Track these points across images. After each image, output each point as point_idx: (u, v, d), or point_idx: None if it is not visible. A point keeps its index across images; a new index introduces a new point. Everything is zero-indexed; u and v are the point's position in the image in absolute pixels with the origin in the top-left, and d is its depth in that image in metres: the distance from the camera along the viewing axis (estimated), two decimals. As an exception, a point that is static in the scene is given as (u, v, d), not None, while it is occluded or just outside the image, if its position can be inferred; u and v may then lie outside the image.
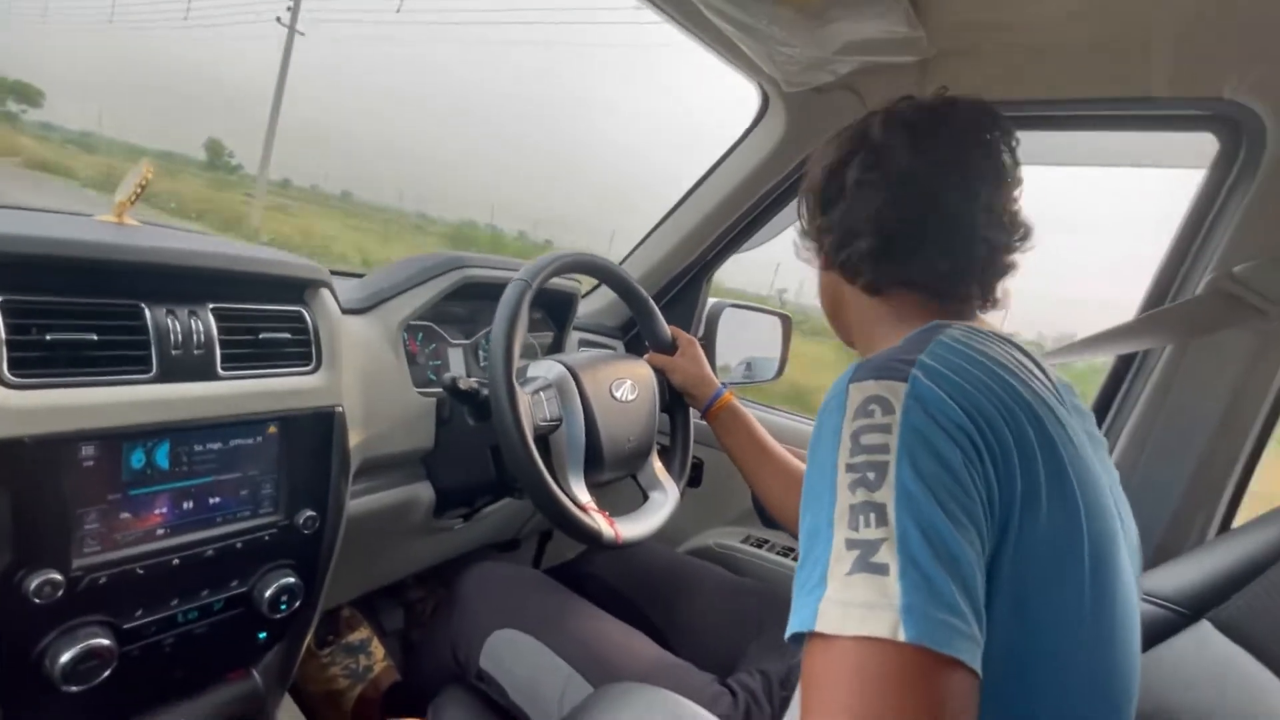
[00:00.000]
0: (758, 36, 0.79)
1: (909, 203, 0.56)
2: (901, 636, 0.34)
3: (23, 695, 0.53)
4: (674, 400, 1.01)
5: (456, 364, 1.01)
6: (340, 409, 0.72)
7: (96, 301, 0.56)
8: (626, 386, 0.89)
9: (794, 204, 1.14)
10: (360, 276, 0.96)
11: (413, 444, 0.87)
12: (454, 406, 0.88)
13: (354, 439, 0.75)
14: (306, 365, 0.70)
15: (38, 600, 0.51)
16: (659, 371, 0.99)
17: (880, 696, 0.34)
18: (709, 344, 1.23)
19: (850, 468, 0.40)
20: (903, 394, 0.42)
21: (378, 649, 1.07)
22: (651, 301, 0.99)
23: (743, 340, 1.36)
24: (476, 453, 0.87)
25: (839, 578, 0.37)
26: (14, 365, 0.50)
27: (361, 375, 0.78)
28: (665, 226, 1.19)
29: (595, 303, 1.30)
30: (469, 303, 1.01)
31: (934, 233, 0.56)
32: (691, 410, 1.02)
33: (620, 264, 1.26)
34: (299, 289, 0.71)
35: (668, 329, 1.01)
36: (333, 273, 0.80)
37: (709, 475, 1.21)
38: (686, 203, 1.16)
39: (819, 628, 0.36)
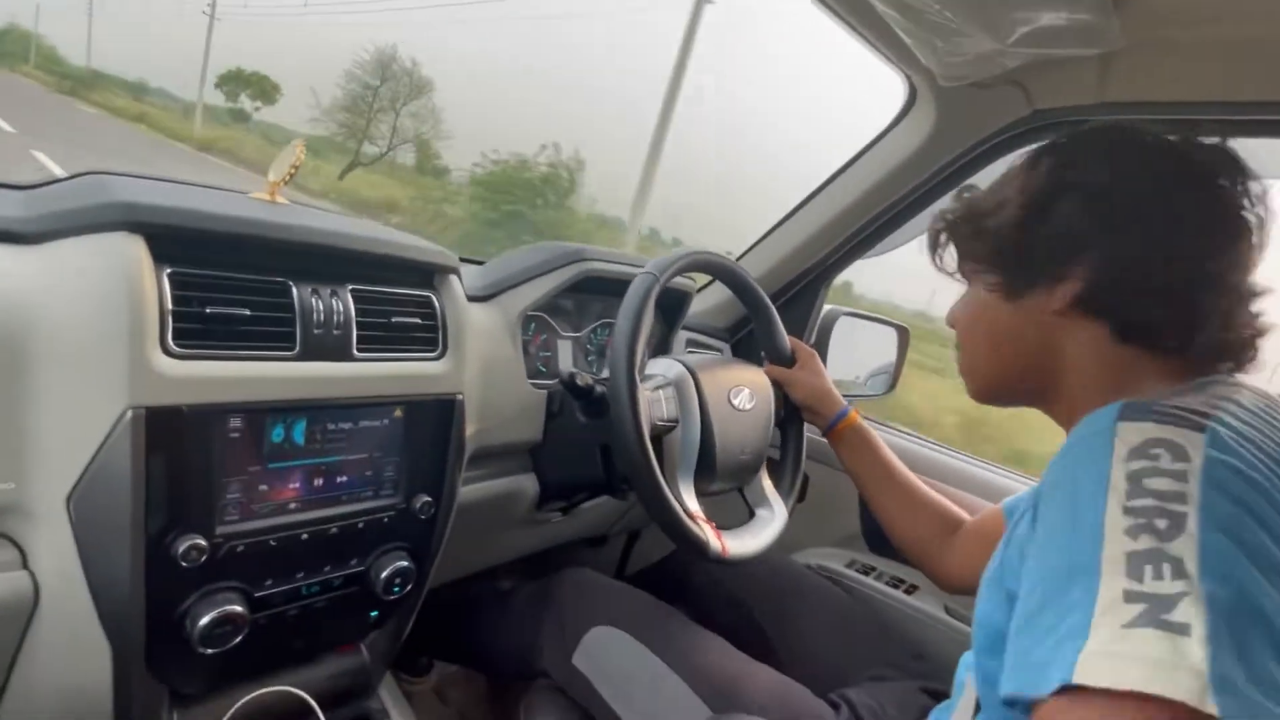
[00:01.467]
0: (923, 24, 0.72)
1: (1187, 247, 0.50)
2: (1212, 708, 0.29)
3: (166, 653, 0.55)
4: (789, 415, 0.96)
5: (565, 356, 1.00)
6: (461, 397, 0.72)
7: (251, 278, 0.57)
8: (745, 395, 0.85)
9: (932, 209, 1.06)
10: (480, 264, 0.96)
11: (523, 435, 0.87)
12: (565, 401, 0.87)
13: (469, 428, 0.75)
14: (433, 351, 0.70)
15: (184, 564, 0.53)
16: (776, 385, 0.94)
17: None
18: (820, 351, 1.16)
19: (1130, 510, 0.35)
20: (1201, 444, 0.37)
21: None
22: (774, 310, 0.94)
23: (856, 351, 1.28)
24: (585, 449, 0.85)
25: (1111, 629, 0.32)
26: (177, 335, 0.52)
27: (481, 364, 0.78)
28: (789, 225, 1.13)
29: (704, 301, 1.26)
30: (580, 295, 1.00)
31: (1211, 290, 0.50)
32: (806, 426, 0.97)
33: (738, 259, 1.22)
34: (430, 274, 0.72)
35: (788, 340, 0.96)
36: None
37: (814, 492, 1.15)
38: (814, 200, 1.09)
39: (1081, 679, 0.31)
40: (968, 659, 0.58)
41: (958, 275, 0.62)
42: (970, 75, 0.82)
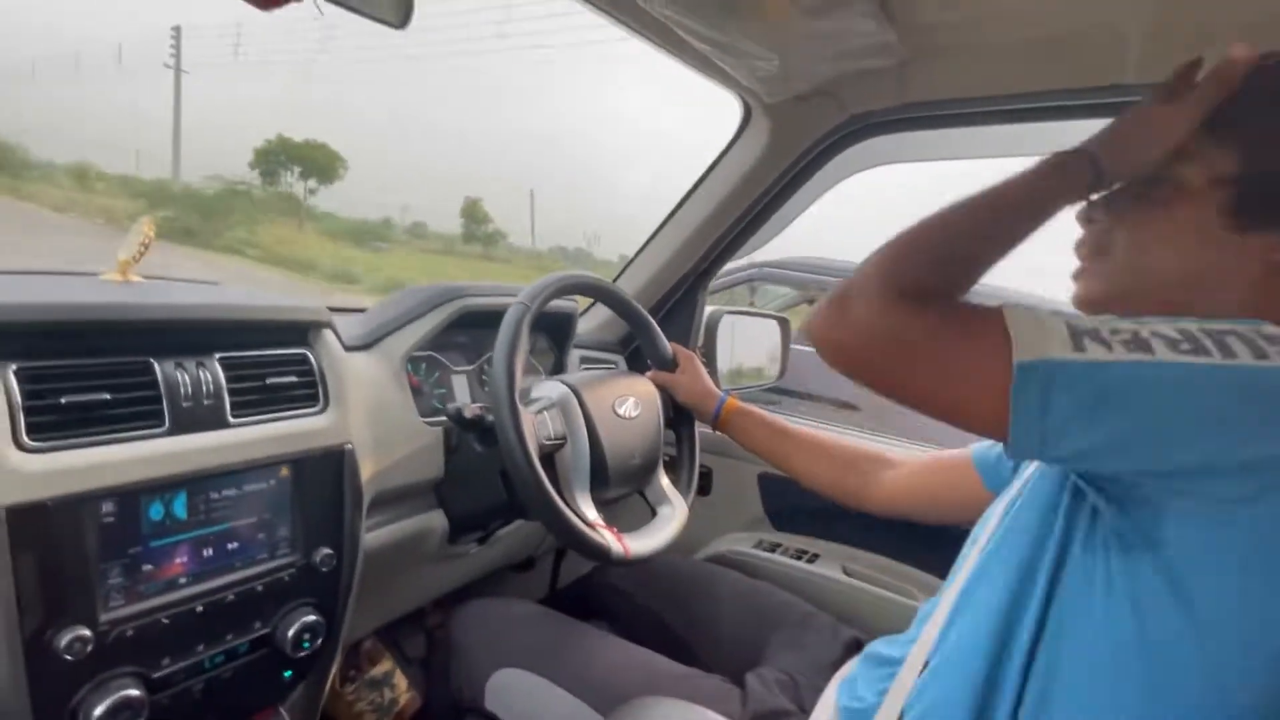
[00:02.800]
0: (733, 53, 0.81)
1: None
2: None
3: (59, 751, 0.54)
4: (678, 416, 1.03)
5: (461, 391, 1.03)
6: (350, 446, 0.73)
7: (107, 361, 0.57)
8: (630, 403, 0.91)
9: (784, 211, 1.16)
10: (362, 311, 0.98)
11: (423, 474, 0.89)
12: (460, 434, 0.89)
13: (365, 474, 0.77)
14: (314, 406, 0.71)
15: (69, 657, 0.52)
16: (662, 389, 1.00)
17: None
18: (709, 352, 1.24)
19: None
20: None
21: (400, 680, 1.09)
22: (651, 320, 1.01)
23: (742, 346, 1.37)
24: (486, 478, 0.88)
25: None
26: (32, 430, 0.52)
27: (368, 411, 0.79)
28: (657, 241, 1.20)
29: (594, 319, 1.31)
30: (469, 330, 1.03)
31: None
32: (699, 424, 1.04)
33: (615, 279, 1.28)
34: (302, 332, 0.73)
35: (668, 346, 1.03)
36: (334, 309, 0.82)
37: (718, 483, 1.22)
38: (676, 216, 1.17)
39: None
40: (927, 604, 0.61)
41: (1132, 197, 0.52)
42: (788, 91, 0.92)
